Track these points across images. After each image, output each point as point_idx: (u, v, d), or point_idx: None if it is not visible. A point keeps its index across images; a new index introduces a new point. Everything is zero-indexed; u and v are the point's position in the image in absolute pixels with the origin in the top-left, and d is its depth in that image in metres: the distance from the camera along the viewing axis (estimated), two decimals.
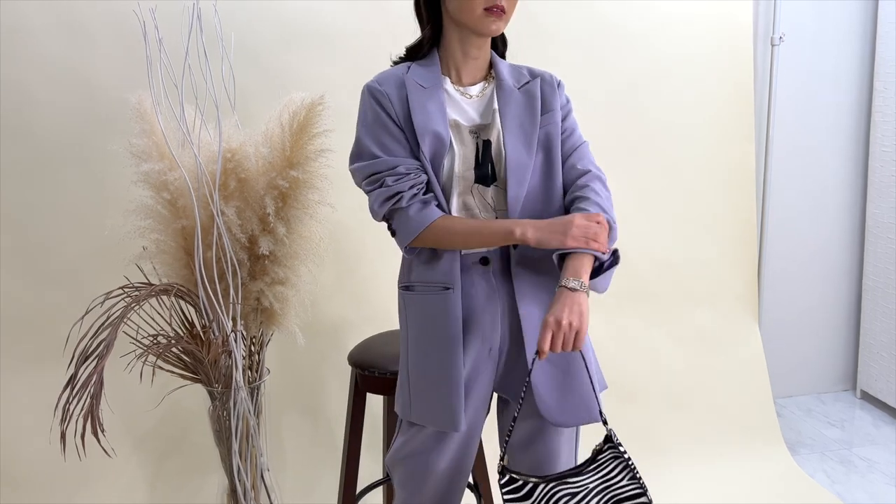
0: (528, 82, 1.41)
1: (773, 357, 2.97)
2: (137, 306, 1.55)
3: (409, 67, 1.38)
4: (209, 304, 1.66)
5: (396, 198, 1.29)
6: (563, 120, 1.42)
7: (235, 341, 1.72)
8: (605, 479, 1.29)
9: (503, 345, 1.38)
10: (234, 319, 1.73)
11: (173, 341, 1.63)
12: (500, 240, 1.29)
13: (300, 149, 1.66)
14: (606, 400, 2.56)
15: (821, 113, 2.96)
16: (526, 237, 1.26)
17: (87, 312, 1.51)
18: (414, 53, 1.41)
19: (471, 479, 1.90)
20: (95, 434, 1.43)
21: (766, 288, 2.95)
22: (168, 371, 1.75)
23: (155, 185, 1.61)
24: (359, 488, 1.89)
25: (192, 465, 2.24)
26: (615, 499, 1.27)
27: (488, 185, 1.34)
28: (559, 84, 1.44)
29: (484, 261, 1.35)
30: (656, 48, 2.57)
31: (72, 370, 1.45)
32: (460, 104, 1.37)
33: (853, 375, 3.17)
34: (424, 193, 1.31)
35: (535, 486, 1.25)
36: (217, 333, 1.68)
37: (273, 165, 1.67)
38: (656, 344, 2.66)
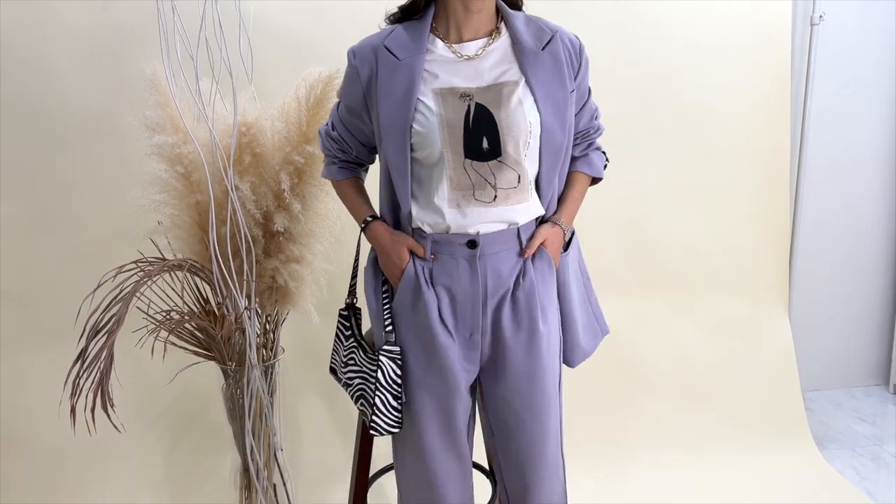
0: (549, 41, 1.29)
1: (802, 349, 2.88)
2: (150, 281, 1.52)
3: (391, 31, 1.28)
4: (223, 280, 1.63)
5: (322, 148, 1.46)
6: (580, 91, 1.36)
7: (249, 319, 1.70)
8: (370, 372, 1.36)
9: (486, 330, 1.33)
10: (248, 297, 1.71)
11: (186, 317, 1.61)
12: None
13: (316, 124, 1.62)
14: (628, 388, 2.52)
15: (861, 99, 2.84)
16: (366, 233, 1.37)
17: (98, 286, 1.49)
18: (408, 12, 1.30)
19: (486, 465, 1.86)
20: (105, 409, 1.42)
21: (798, 279, 2.86)
22: (181, 348, 1.73)
23: (169, 158, 1.58)
24: (373, 470, 1.86)
25: (206, 443, 2.24)
26: (363, 391, 1.37)
27: (484, 160, 1.23)
28: (581, 49, 1.33)
29: (471, 244, 1.28)
30: (690, 29, 2.48)
31: (82, 344, 1.44)
32: (453, 67, 1.26)
33: (886, 370, 3.06)
34: (334, 157, 1.43)
35: (353, 336, 1.43)
36: (231, 310, 1.65)
37: (289, 140, 1.63)
38: (682, 334, 2.59)
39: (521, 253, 1.30)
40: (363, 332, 1.49)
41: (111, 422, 1.42)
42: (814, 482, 2.37)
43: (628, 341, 2.55)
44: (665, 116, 2.49)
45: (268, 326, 1.86)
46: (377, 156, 1.39)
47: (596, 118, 1.43)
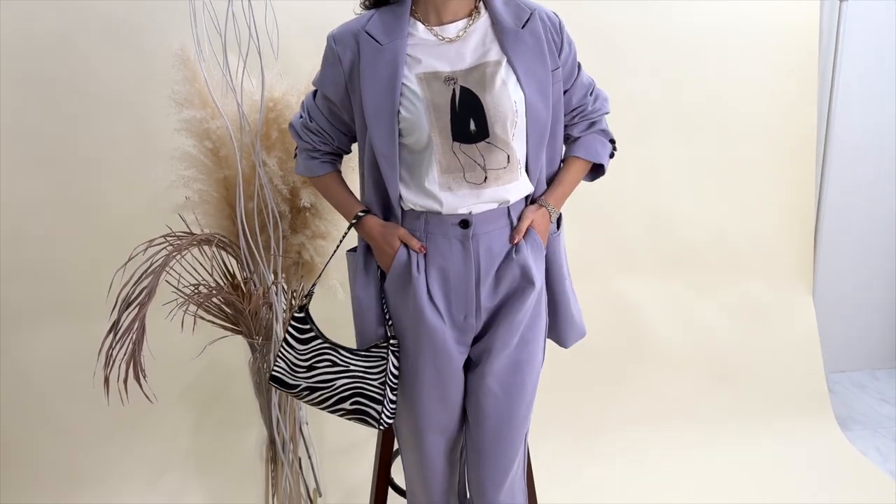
0: (528, 19, 1.27)
1: (825, 331, 2.86)
2: (179, 255, 1.55)
3: (371, 17, 1.28)
4: (250, 255, 1.65)
5: (298, 142, 1.43)
6: (567, 68, 1.34)
7: (276, 294, 1.72)
8: (364, 369, 1.34)
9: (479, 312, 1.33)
10: (275, 272, 1.73)
11: (214, 291, 1.64)
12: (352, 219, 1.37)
13: None
14: (649, 368, 2.52)
15: (890, 78, 2.79)
16: (357, 229, 1.36)
17: (129, 259, 1.51)
18: None
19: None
20: (137, 379, 1.45)
21: (822, 260, 2.83)
22: (209, 321, 1.76)
23: (197, 133, 1.60)
24: (397, 445, 1.89)
25: (233, 417, 2.28)
26: (359, 389, 1.34)
27: (472, 143, 1.23)
28: (561, 26, 1.31)
29: (464, 223, 1.28)
30: (716, 7, 2.45)
31: (115, 317, 1.46)
32: (435, 50, 1.25)
33: None
34: (316, 151, 1.41)
35: (317, 336, 1.38)
36: (258, 285, 1.67)
37: None
38: (705, 313, 2.59)
39: (512, 238, 1.31)
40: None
41: (143, 392, 1.45)
42: (836, 462, 2.36)
43: (650, 321, 2.55)
44: (690, 96, 2.47)
45: (294, 302, 1.88)
46: (353, 146, 1.41)
47: (593, 94, 1.40)
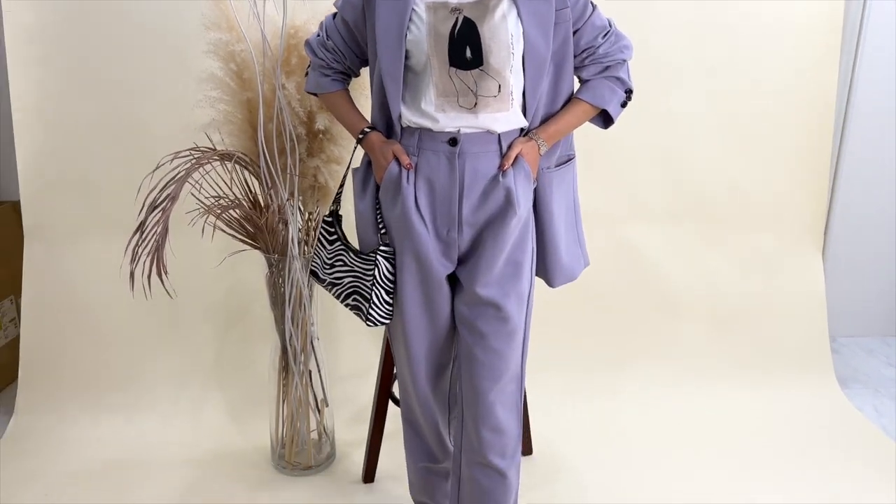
0: None
1: (838, 294, 2.90)
2: (201, 167, 1.68)
3: None
4: (268, 172, 1.78)
5: (313, 59, 1.53)
6: (577, 7, 1.39)
7: (291, 211, 1.85)
8: (363, 270, 1.49)
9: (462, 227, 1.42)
10: (291, 194, 1.85)
11: (233, 203, 1.77)
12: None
13: None
14: (654, 315, 2.60)
15: None
16: (362, 143, 1.47)
17: (157, 168, 1.65)
18: None
19: None
20: (160, 274, 1.59)
21: (836, 223, 2.85)
22: (230, 235, 1.90)
23: (223, 56, 1.72)
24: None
25: (254, 334, 2.44)
26: (356, 288, 1.51)
27: (467, 69, 1.32)
28: None
29: (452, 141, 1.37)
30: None
31: (141, 218, 1.61)
32: None
33: None
34: (328, 68, 1.51)
35: (338, 239, 1.57)
36: (274, 200, 1.80)
37: None
38: (714, 265, 2.64)
39: (501, 165, 1.38)
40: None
41: (164, 287, 1.60)
42: (830, 416, 2.42)
43: (658, 269, 2.61)
44: (711, 48, 2.49)
45: (310, 224, 2.01)
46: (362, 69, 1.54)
47: (606, 37, 1.44)
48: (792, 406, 2.46)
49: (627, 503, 1.97)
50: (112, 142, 2.32)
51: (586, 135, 2.29)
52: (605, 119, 1.53)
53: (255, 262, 2.09)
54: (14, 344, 2.50)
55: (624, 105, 1.51)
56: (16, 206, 2.51)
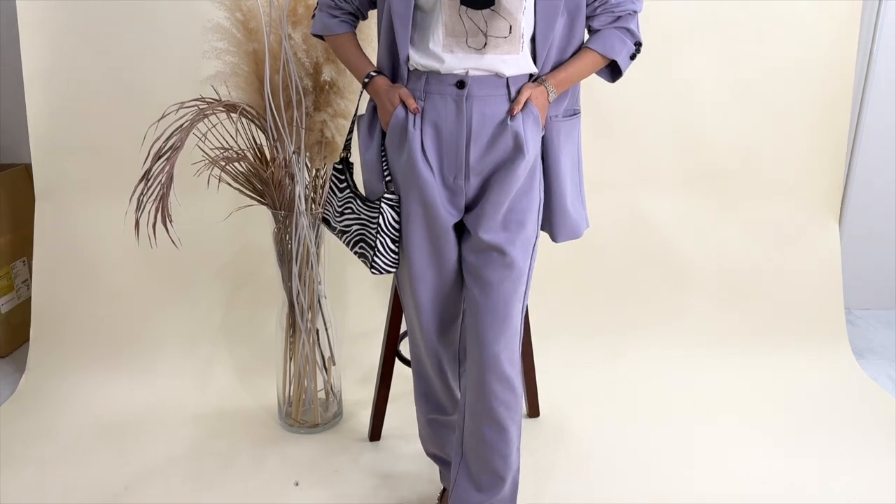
0: None
1: (854, 267, 2.85)
2: (206, 117, 1.68)
3: None
4: (275, 124, 1.77)
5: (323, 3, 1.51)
6: None
7: (298, 165, 1.84)
8: (369, 218, 1.48)
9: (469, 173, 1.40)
10: (298, 149, 1.84)
11: (237, 155, 1.76)
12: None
13: None
14: (665, 284, 2.57)
15: None
16: (368, 88, 1.44)
17: (162, 117, 1.65)
18: None
19: None
20: (164, 223, 1.59)
21: (854, 193, 2.80)
22: (237, 189, 1.90)
23: (229, 5, 1.71)
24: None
25: (263, 296, 2.44)
26: (362, 235, 1.50)
27: (478, 9, 1.30)
28: None
29: (460, 84, 1.34)
30: None
31: (146, 166, 1.61)
32: None
33: None
34: (337, 9, 1.49)
35: (348, 186, 1.55)
36: (280, 151, 1.79)
37: None
38: (727, 235, 2.61)
39: (511, 110, 1.36)
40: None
41: (169, 236, 1.60)
42: (844, 385, 2.39)
43: (670, 238, 2.59)
44: (728, 14, 2.45)
45: (317, 181, 2.00)
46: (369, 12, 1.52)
47: None
48: (805, 375, 2.43)
49: (633, 466, 1.96)
50: (121, 103, 2.32)
51: (598, 101, 2.29)
52: (613, 71, 1.50)
53: (263, 224, 2.09)
54: (27, 305, 2.53)
55: (633, 57, 1.48)
56: (27, 169, 2.53)
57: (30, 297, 2.47)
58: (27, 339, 2.45)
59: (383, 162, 1.46)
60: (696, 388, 2.34)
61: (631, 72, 1.52)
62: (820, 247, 2.64)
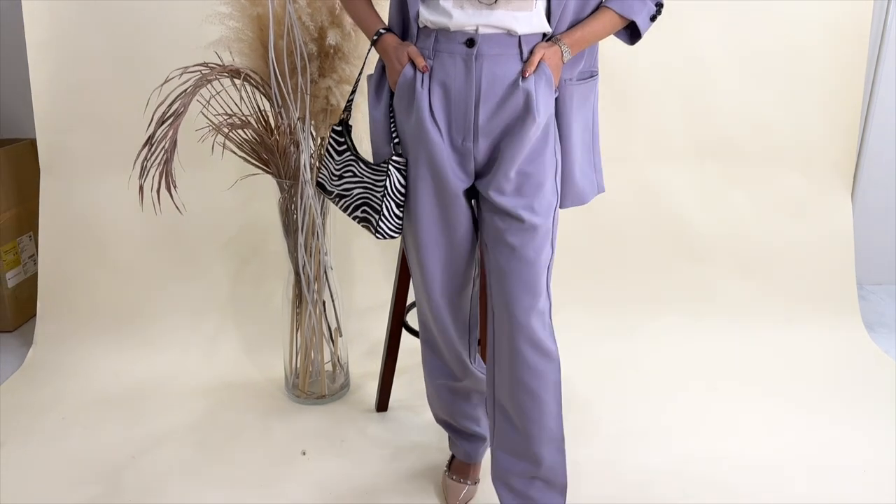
0: None
1: (867, 240, 2.82)
2: (209, 82, 1.65)
3: None
4: (279, 90, 1.75)
5: None
6: None
7: (303, 133, 1.82)
8: (374, 181, 1.44)
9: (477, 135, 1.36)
10: (303, 116, 1.82)
11: (243, 122, 1.74)
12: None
13: None
14: (676, 254, 2.55)
15: None
16: (376, 46, 1.41)
17: (165, 81, 1.63)
18: None
19: None
20: (168, 189, 1.57)
21: (867, 165, 2.76)
22: (242, 158, 1.88)
23: None
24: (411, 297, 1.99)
25: (270, 269, 2.43)
26: (366, 199, 1.45)
27: None
28: None
29: (469, 42, 1.31)
30: None
31: (150, 131, 1.59)
32: None
33: None
34: None
35: (348, 149, 1.50)
36: (284, 118, 1.77)
37: None
38: (738, 206, 2.57)
39: (523, 71, 1.32)
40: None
41: (174, 202, 1.58)
42: (855, 356, 2.37)
43: (681, 208, 2.56)
44: None
45: (322, 151, 1.98)
46: None
47: None
48: (816, 346, 2.41)
49: (645, 434, 1.95)
50: (125, 74, 2.30)
51: (608, 72, 2.24)
52: (631, 33, 1.45)
53: (269, 198, 2.07)
54: (34, 280, 2.52)
55: (653, 19, 1.43)
56: (33, 144, 2.52)
57: (36, 273, 2.46)
58: (34, 315, 2.45)
59: (391, 123, 1.43)
60: (708, 358, 2.33)
61: (642, 40, 1.48)
62: (832, 218, 2.60)
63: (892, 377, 2.24)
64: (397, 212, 1.44)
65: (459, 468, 1.72)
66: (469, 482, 1.71)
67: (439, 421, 1.72)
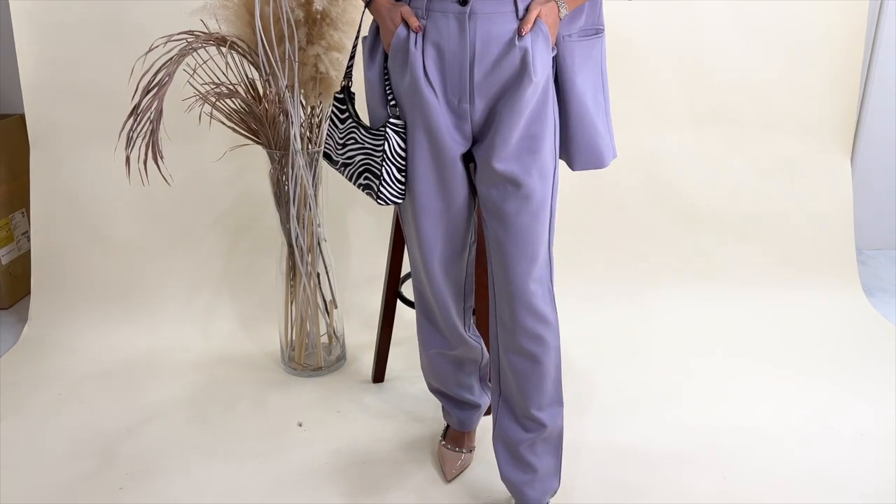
0: None
1: (866, 206, 2.80)
2: (194, 51, 1.62)
3: None
4: (266, 58, 1.72)
5: None
6: None
7: (292, 102, 1.79)
8: (373, 146, 1.42)
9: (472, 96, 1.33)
10: (291, 85, 1.79)
11: (231, 91, 1.72)
12: None
13: None
14: (674, 221, 2.52)
15: None
16: (370, 7, 1.37)
17: (150, 50, 1.60)
18: None
19: None
20: (155, 160, 1.55)
21: (866, 130, 2.73)
22: (231, 128, 1.85)
23: None
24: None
25: (264, 243, 2.41)
26: (367, 165, 1.43)
27: None
28: None
29: (462, 1, 1.27)
30: None
31: (135, 101, 1.56)
32: None
33: None
34: None
35: (350, 116, 1.48)
36: (272, 87, 1.74)
37: None
38: (735, 170, 2.54)
39: (520, 29, 1.29)
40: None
41: (161, 173, 1.56)
42: (851, 319, 2.36)
43: (678, 175, 2.53)
44: None
45: (313, 120, 1.95)
46: None
47: None
48: (816, 311, 2.40)
49: (643, 400, 1.94)
50: (111, 44, 2.26)
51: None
52: None
53: (262, 171, 2.05)
54: (27, 257, 2.51)
55: None
56: (22, 119, 2.49)
57: (30, 250, 2.45)
58: (29, 292, 2.44)
59: (386, 85, 1.40)
60: (706, 324, 2.32)
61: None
62: (832, 183, 2.57)
63: (891, 342, 2.23)
64: (398, 176, 1.41)
65: (454, 437, 1.72)
66: (464, 450, 1.70)
67: (433, 390, 1.71)
